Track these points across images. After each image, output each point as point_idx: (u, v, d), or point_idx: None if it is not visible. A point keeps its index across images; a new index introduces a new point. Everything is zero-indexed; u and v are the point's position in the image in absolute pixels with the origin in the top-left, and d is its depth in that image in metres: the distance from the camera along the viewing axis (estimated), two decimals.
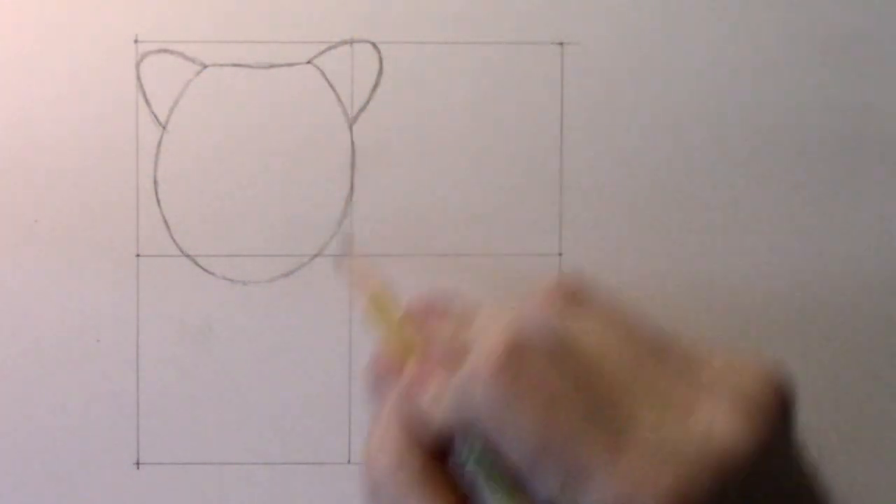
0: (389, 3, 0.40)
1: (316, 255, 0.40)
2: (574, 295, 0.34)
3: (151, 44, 0.40)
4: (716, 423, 0.30)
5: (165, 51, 0.40)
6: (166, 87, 0.40)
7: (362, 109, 0.40)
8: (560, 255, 0.41)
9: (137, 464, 0.40)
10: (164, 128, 0.40)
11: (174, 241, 0.40)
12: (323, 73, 0.40)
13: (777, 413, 0.31)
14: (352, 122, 0.40)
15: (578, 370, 0.32)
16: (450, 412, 0.32)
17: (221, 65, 0.40)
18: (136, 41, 0.40)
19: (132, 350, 0.40)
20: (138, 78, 0.40)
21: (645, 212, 0.41)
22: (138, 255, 0.40)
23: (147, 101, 0.40)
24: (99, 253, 0.40)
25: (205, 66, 0.40)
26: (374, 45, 0.40)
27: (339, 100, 0.40)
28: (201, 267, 0.40)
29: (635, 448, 0.30)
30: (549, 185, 0.41)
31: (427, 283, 0.40)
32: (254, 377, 0.40)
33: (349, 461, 0.41)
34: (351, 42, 0.40)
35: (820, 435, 0.41)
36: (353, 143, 0.40)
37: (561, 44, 0.41)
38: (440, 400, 0.33)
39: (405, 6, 0.40)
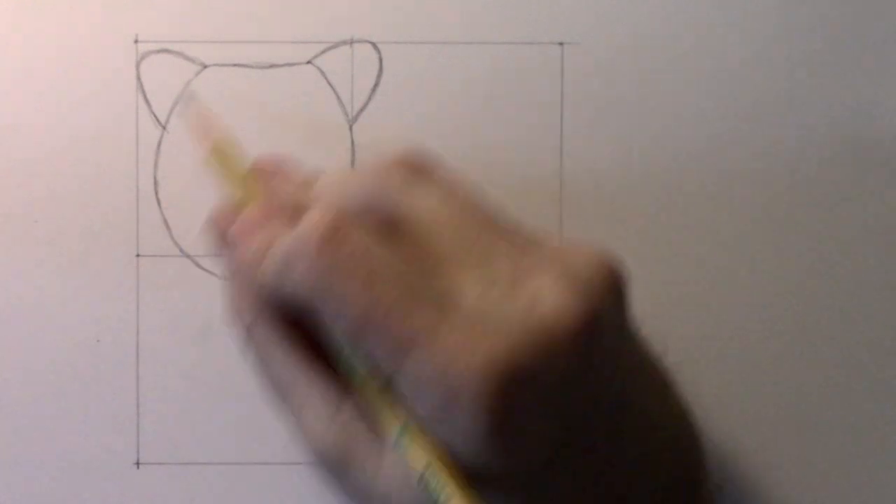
0: (389, 3, 0.40)
1: None
2: (415, 167, 0.33)
3: (151, 44, 0.40)
4: (541, 296, 0.29)
5: (165, 51, 0.40)
6: (166, 87, 0.40)
7: (362, 109, 0.40)
8: None
9: (137, 464, 0.40)
10: (164, 128, 0.40)
11: (174, 241, 0.40)
12: (323, 73, 0.40)
13: (604, 290, 0.30)
14: (352, 122, 0.40)
15: (405, 243, 0.31)
16: (273, 278, 0.32)
17: (221, 65, 0.40)
18: (136, 41, 0.40)
19: (132, 350, 0.40)
20: (138, 78, 0.40)
21: (645, 212, 0.41)
22: (138, 255, 0.40)
23: (147, 101, 0.40)
24: (99, 253, 0.40)
25: (205, 66, 0.40)
26: (374, 45, 0.40)
27: (339, 100, 0.40)
28: (201, 267, 0.40)
29: (457, 320, 0.29)
30: (549, 185, 0.41)
31: None
32: (254, 377, 0.40)
33: None
34: (351, 42, 0.40)
35: (820, 435, 0.41)
36: (353, 143, 0.40)
37: (561, 44, 0.41)
38: (267, 263, 0.32)
39: (405, 6, 0.40)
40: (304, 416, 0.33)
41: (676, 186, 0.41)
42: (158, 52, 0.40)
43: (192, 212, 0.40)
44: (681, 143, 0.41)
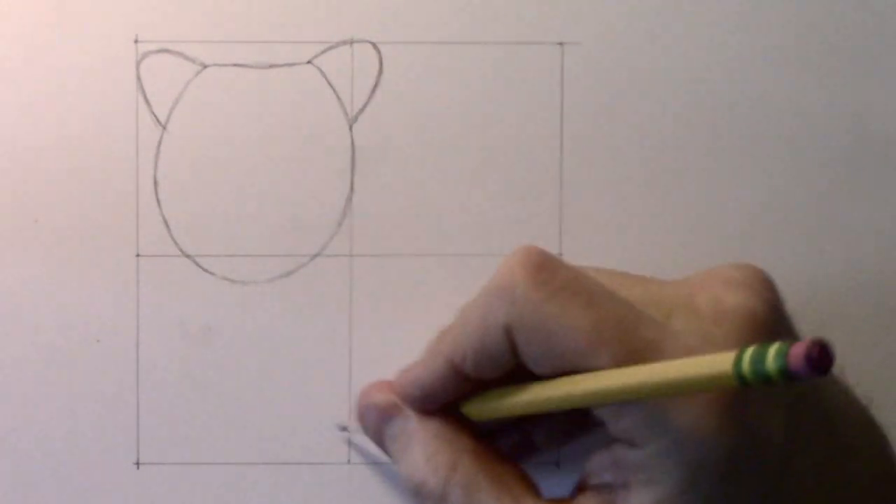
0: (389, 3, 0.40)
1: (316, 255, 0.40)
2: (546, 252, 0.34)
3: (151, 44, 0.40)
4: (721, 302, 0.32)
5: (165, 51, 0.40)
6: (166, 87, 0.40)
7: (362, 109, 0.40)
8: (560, 255, 0.41)
9: (137, 464, 0.40)
10: (164, 128, 0.40)
11: (174, 241, 0.40)
12: (323, 73, 0.40)
13: (768, 284, 0.33)
14: (352, 122, 0.40)
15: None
16: (480, 325, 0.33)
17: (221, 65, 0.40)
18: (136, 41, 0.40)
19: (132, 350, 0.40)
20: (138, 78, 0.40)
21: (645, 212, 0.41)
22: (138, 255, 0.40)
23: (147, 101, 0.40)
24: (99, 253, 0.40)
25: (205, 66, 0.40)
26: (374, 45, 0.40)
27: (339, 100, 0.40)
28: (201, 267, 0.40)
29: (672, 336, 0.31)
30: (549, 185, 0.41)
31: (427, 284, 0.40)
32: (253, 377, 0.40)
33: (349, 461, 0.41)
34: (351, 42, 0.40)
35: None
36: (353, 143, 0.40)
37: (561, 44, 0.41)
38: (460, 331, 0.33)
39: (405, 6, 0.40)
40: None
41: (676, 186, 0.41)
42: (158, 52, 0.40)
43: (192, 212, 0.40)
44: (680, 143, 0.41)
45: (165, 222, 0.40)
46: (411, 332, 0.40)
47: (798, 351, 0.26)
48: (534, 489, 0.36)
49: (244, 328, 0.40)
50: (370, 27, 0.40)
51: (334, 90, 0.40)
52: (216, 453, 0.40)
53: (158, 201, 0.40)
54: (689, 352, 0.30)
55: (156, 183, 0.40)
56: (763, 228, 0.41)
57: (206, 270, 0.40)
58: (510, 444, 0.38)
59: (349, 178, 0.40)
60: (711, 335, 0.31)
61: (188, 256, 0.40)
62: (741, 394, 0.30)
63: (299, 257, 0.40)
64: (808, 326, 0.41)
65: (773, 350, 0.26)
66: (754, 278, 0.33)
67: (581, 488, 0.34)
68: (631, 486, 0.32)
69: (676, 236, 0.41)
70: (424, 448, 0.35)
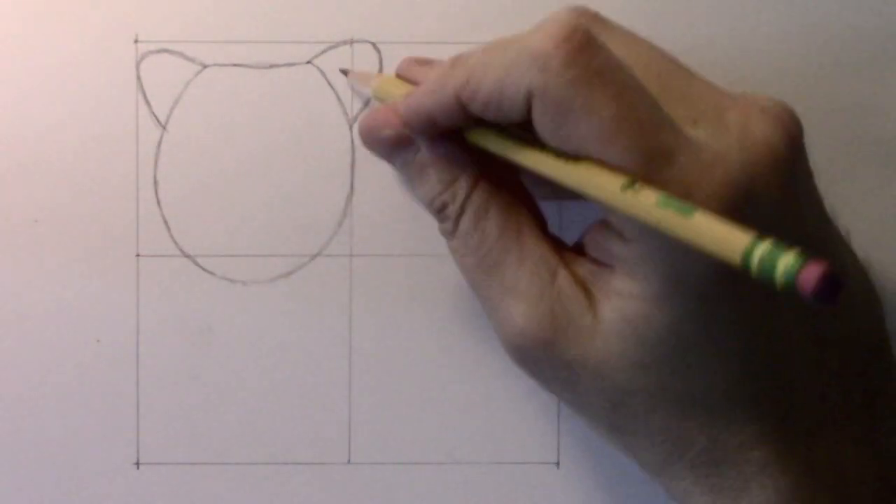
0: (389, 3, 0.40)
1: (316, 255, 0.40)
2: (595, 17, 0.35)
3: (151, 44, 0.40)
4: (750, 128, 0.32)
5: (165, 51, 0.40)
6: (166, 87, 0.40)
7: (362, 109, 0.40)
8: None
9: (137, 464, 0.40)
10: (164, 128, 0.40)
11: (174, 241, 0.40)
12: (323, 73, 0.40)
13: (797, 124, 0.33)
14: (352, 122, 0.40)
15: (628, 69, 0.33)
16: (500, 78, 0.32)
17: (221, 65, 0.40)
18: (136, 41, 0.40)
19: (132, 350, 0.40)
20: (138, 78, 0.40)
21: None
22: (138, 255, 0.40)
23: (147, 101, 0.40)
24: (99, 253, 0.40)
25: (205, 66, 0.40)
26: (374, 45, 0.40)
27: (339, 100, 0.40)
28: (201, 267, 0.40)
29: (690, 143, 0.32)
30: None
31: (427, 284, 0.40)
32: (253, 377, 0.40)
33: (349, 461, 0.41)
34: (351, 42, 0.40)
35: None
36: (353, 143, 0.40)
37: None
38: (486, 69, 0.33)
39: (405, 6, 0.40)
40: (512, 295, 0.34)
41: None
42: (158, 52, 0.40)
43: (192, 212, 0.40)
44: None
45: (165, 222, 0.40)
46: (411, 332, 0.40)
47: (808, 276, 0.26)
48: (539, 223, 0.36)
49: (244, 328, 0.40)
50: (370, 27, 0.40)
51: (334, 90, 0.40)
52: (216, 453, 0.40)
53: (158, 201, 0.40)
54: (702, 169, 0.31)
55: (156, 183, 0.40)
56: None
57: (206, 270, 0.40)
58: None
59: (349, 178, 0.40)
60: (730, 158, 0.32)
61: (188, 256, 0.40)
62: (747, 220, 0.30)
63: (299, 257, 0.40)
64: None
65: (784, 260, 0.26)
66: (785, 112, 0.33)
67: (578, 248, 0.35)
68: (615, 271, 0.33)
69: None
70: (439, 173, 0.35)
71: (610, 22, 0.35)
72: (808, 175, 0.34)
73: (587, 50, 0.32)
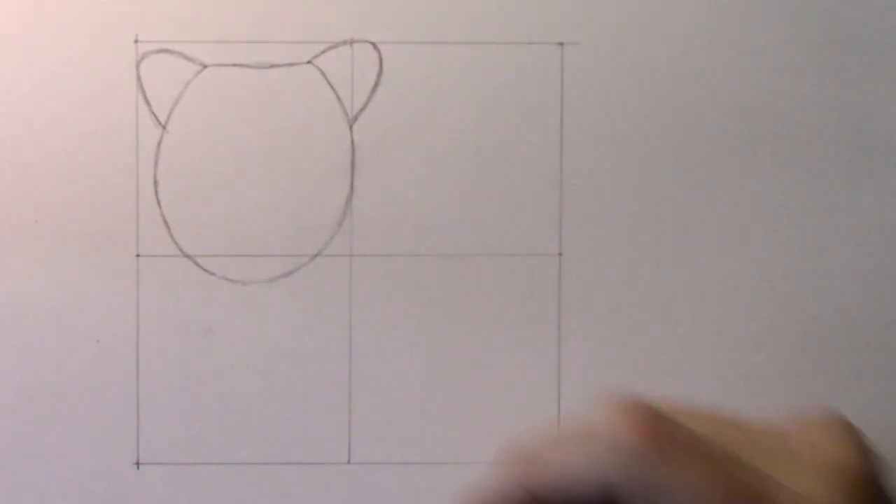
0: (389, 3, 0.40)
1: (316, 255, 0.40)
2: (637, 394, 0.34)
3: (151, 44, 0.40)
4: (823, 449, 0.32)
5: (165, 51, 0.40)
6: (166, 87, 0.40)
7: (362, 109, 0.40)
8: (560, 255, 0.41)
9: (137, 464, 0.40)
10: (164, 128, 0.40)
11: (174, 241, 0.40)
12: (323, 73, 0.40)
13: (861, 438, 0.33)
14: (352, 122, 0.40)
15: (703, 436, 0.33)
16: (571, 472, 0.32)
17: (221, 65, 0.40)
18: (136, 41, 0.40)
19: (132, 350, 0.40)
20: (138, 78, 0.40)
21: (645, 211, 0.41)
22: (138, 255, 0.40)
23: (147, 101, 0.40)
24: (99, 253, 0.40)
25: (205, 66, 0.40)
26: (374, 45, 0.40)
27: (339, 100, 0.40)
28: (201, 267, 0.40)
29: (788, 497, 0.31)
30: (549, 185, 0.41)
31: (427, 284, 0.40)
32: (253, 377, 0.40)
33: (349, 461, 0.41)
34: (351, 42, 0.40)
35: None
36: (353, 143, 0.40)
37: (561, 44, 0.41)
38: (564, 466, 0.33)
39: (405, 6, 0.40)
40: None
41: (675, 186, 0.41)
42: (158, 52, 0.40)
43: (192, 212, 0.40)
44: (680, 142, 0.41)
45: (165, 222, 0.40)
46: (411, 332, 0.40)
47: None
48: None
49: (244, 328, 0.40)
50: (370, 27, 0.40)
51: (334, 90, 0.40)
52: (216, 453, 0.40)
53: (158, 201, 0.40)
54: (798, 500, 0.31)
55: (156, 183, 0.40)
56: (763, 228, 0.41)
57: (206, 270, 0.40)
58: None
59: (349, 178, 0.40)
60: (815, 487, 0.32)
61: (188, 256, 0.40)
62: None
63: (299, 257, 0.40)
64: (808, 323, 0.41)
65: None
66: (843, 425, 0.33)
67: None
68: None
69: (676, 235, 0.41)
70: None
71: (661, 411, 0.35)
72: (889, 482, 0.35)
73: (654, 422, 0.32)
